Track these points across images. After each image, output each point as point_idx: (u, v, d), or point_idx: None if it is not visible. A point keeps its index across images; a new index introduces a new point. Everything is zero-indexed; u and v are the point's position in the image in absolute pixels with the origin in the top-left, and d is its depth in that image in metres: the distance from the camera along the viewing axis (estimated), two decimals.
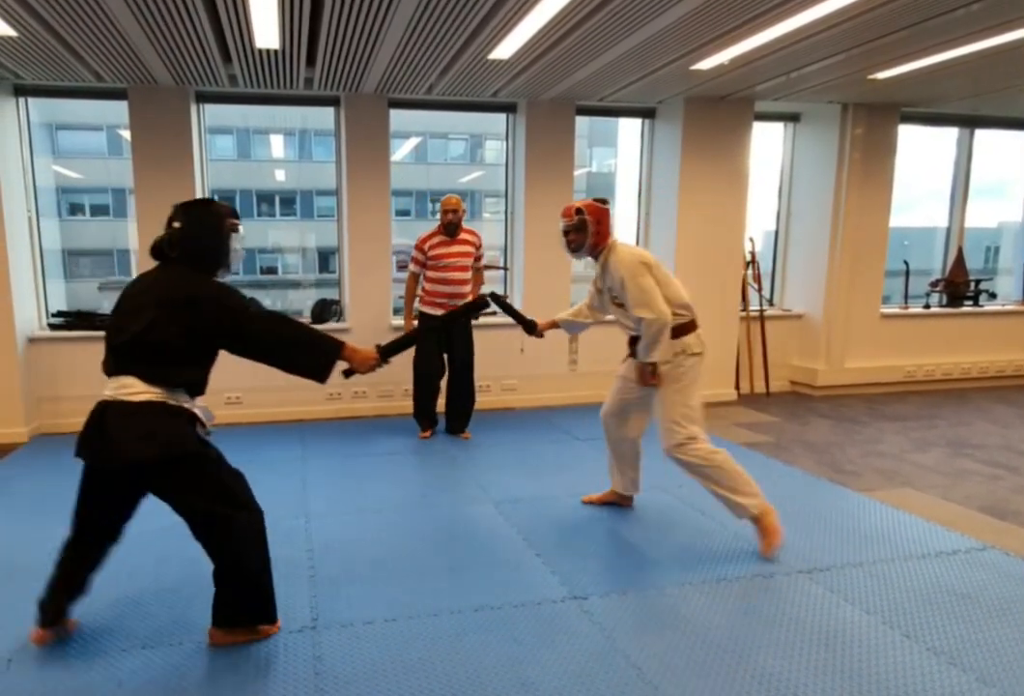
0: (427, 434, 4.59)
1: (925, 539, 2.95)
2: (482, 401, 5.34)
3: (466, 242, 4.39)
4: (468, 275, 4.41)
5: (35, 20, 3.26)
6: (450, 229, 4.33)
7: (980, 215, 6.47)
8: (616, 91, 4.91)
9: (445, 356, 4.52)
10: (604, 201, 2.92)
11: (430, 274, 4.38)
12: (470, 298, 4.34)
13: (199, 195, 4.79)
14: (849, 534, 3.00)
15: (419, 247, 4.38)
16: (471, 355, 4.53)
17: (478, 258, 4.49)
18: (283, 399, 5.06)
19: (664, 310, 2.67)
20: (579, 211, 2.83)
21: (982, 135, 6.19)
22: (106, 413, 1.94)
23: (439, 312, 4.34)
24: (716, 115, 5.27)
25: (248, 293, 2.09)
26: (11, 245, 4.44)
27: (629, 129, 5.98)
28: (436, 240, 4.37)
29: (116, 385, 1.97)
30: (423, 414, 4.60)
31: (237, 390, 4.95)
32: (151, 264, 2.09)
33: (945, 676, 1.97)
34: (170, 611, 2.35)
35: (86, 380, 4.98)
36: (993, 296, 6.40)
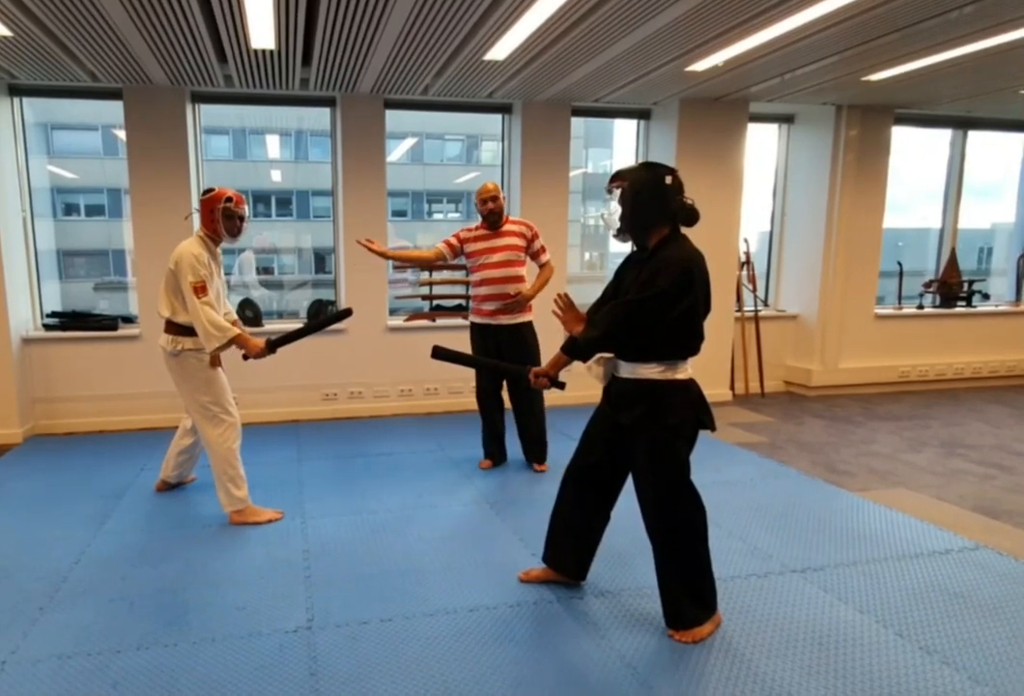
0: (485, 464, 4.04)
1: (918, 539, 2.97)
2: None
3: (512, 234, 3.77)
4: (517, 272, 3.78)
5: (30, 20, 3.26)
6: (491, 221, 3.75)
7: (973, 216, 6.51)
8: (611, 92, 4.93)
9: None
10: (209, 191, 3.23)
11: (472, 276, 3.87)
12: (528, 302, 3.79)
13: (194, 195, 4.78)
14: (843, 534, 3.02)
15: (456, 234, 3.88)
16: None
17: (536, 253, 3.83)
18: (278, 400, 5.06)
19: None
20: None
21: (975, 137, 6.23)
22: None
23: (486, 320, 3.81)
24: (711, 116, 5.29)
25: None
26: (6, 245, 4.42)
27: (625, 130, 5.99)
28: (476, 234, 3.82)
29: None
30: (485, 444, 4.09)
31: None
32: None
33: (938, 675, 1.99)
34: (165, 612, 2.35)
35: (81, 381, 4.99)
36: (986, 297, 6.44)
